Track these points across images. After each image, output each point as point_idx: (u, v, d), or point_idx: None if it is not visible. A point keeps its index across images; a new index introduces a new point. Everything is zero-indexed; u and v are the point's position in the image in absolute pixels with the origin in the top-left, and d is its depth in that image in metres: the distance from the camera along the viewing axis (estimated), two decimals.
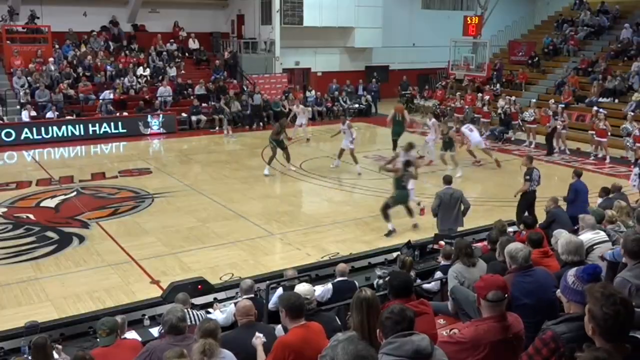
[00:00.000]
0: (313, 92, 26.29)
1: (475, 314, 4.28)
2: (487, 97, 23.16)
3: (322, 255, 9.52)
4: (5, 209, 12.79)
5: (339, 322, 5.32)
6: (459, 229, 9.70)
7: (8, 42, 22.90)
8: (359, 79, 28.45)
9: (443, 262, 7.07)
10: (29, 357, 4.92)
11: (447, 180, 10.25)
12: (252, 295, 6.13)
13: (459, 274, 5.80)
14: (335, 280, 6.76)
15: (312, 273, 7.29)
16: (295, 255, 10.14)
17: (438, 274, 6.93)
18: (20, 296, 8.82)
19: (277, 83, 26.57)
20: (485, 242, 7.50)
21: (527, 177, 10.74)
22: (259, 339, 4.60)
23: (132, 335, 5.85)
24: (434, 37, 29.10)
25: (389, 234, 11.04)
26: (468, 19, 27.48)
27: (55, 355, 5.03)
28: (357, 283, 6.70)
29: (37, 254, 10.44)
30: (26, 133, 19.85)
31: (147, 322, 6.41)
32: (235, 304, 5.60)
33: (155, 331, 6.04)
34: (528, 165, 10.96)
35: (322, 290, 6.51)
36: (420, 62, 30.32)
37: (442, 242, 8.07)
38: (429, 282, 6.96)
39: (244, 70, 26.49)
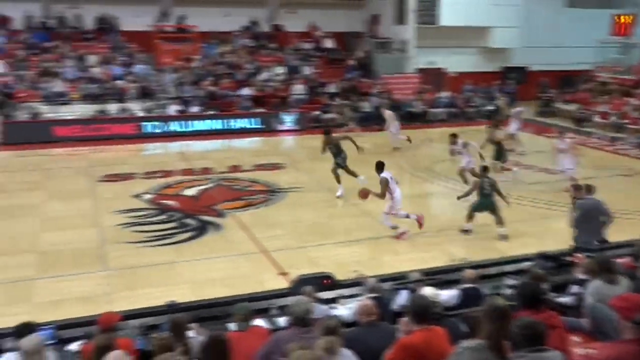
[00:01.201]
0: (446, 92, 25.82)
1: (615, 335, 4.01)
2: (637, 102, 21.48)
3: (448, 259, 9.34)
4: (152, 196, 13.85)
5: (465, 329, 5.20)
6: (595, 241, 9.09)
7: (159, 41, 24.74)
8: (495, 80, 27.50)
9: (580, 277, 6.66)
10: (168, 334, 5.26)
11: (589, 189, 9.64)
12: (376, 295, 6.14)
13: (599, 290, 5.44)
14: (463, 287, 6.60)
15: (438, 277, 7.18)
16: (420, 258, 10.02)
17: (574, 289, 6.53)
18: (162, 277, 9.51)
19: (410, 83, 26.40)
20: (629, 258, 6.97)
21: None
22: None
23: (259, 323, 6.09)
24: (578, 37, 27.41)
25: (465, 232, 11.25)
26: (617, 17, 25.59)
27: (191, 334, 5.35)
28: (484, 291, 6.50)
29: (178, 239, 11.21)
30: (172, 126, 21.38)
31: (274, 312, 6.63)
32: (358, 301, 5.64)
33: (281, 321, 6.24)
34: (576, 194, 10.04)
35: (448, 295, 6.39)
36: (563, 64, 28.66)
37: (579, 255, 7.60)
38: (564, 296, 6.59)
39: (377, 70, 26.59)
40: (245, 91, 23.28)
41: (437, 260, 9.61)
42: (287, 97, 23.50)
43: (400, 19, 27.28)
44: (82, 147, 19.20)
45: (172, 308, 6.41)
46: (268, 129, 21.93)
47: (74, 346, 5.76)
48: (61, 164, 17.38)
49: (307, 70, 25.38)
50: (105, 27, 25.42)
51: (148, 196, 13.84)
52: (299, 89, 23.98)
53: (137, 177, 15.63)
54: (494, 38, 27.61)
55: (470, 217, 11.35)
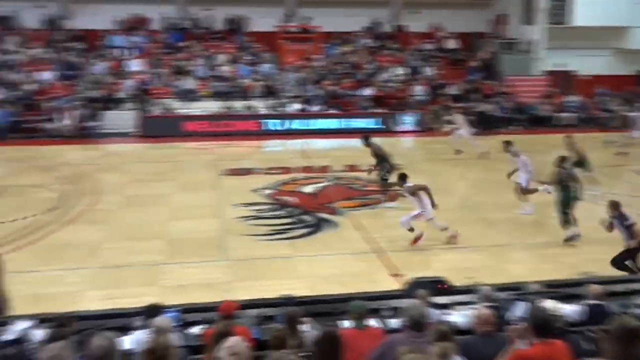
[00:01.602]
0: (575, 96, 24.46)
1: None
2: None
3: (571, 272, 8.86)
4: (271, 191, 14.32)
5: (587, 348, 4.92)
6: None
7: (284, 41, 25.50)
8: (630, 85, 25.63)
9: None
10: (282, 326, 5.42)
11: None
12: (492, 304, 5.97)
13: None
14: (587, 303, 6.24)
15: (560, 290, 6.84)
16: (540, 269, 9.59)
17: None
18: (278, 270, 9.82)
19: (536, 86, 25.27)
20: None
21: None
22: None
23: (372, 323, 6.12)
24: None
25: (571, 239, 10.56)
26: None
27: (304, 328, 5.49)
28: (611, 309, 6.10)
29: (294, 234, 11.51)
30: (293, 124, 21.96)
31: (386, 313, 6.63)
32: (474, 309, 5.51)
33: (393, 322, 6.23)
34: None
35: (571, 310, 6.07)
36: None
37: None
38: None
39: (501, 72, 25.71)
40: (366, 91, 23.43)
41: (557, 272, 9.17)
42: (407, 98, 23.36)
43: (528, 18, 26.18)
44: (208, 141, 20.22)
45: (287, 301, 6.61)
46: (387, 130, 21.92)
47: (195, 329, 6.10)
48: (189, 157, 18.41)
49: (428, 71, 25.07)
50: (234, 28, 26.59)
51: (267, 191, 14.32)
52: (419, 90, 23.77)
53: (258, 172, 16.21)
54: (632, 38, 25.71)
55: (566, 222, 10.68)
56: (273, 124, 21.90)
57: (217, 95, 22.75)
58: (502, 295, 6.46)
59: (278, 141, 20.91)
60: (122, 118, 21.37)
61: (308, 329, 5.42)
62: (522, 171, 12.62)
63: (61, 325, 5.40)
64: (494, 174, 15.89)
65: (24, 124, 20.61)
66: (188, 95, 22.55)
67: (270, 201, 13.66)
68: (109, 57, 24.07)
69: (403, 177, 11.20)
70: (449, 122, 19.14)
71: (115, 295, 8.70)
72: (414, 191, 10.81)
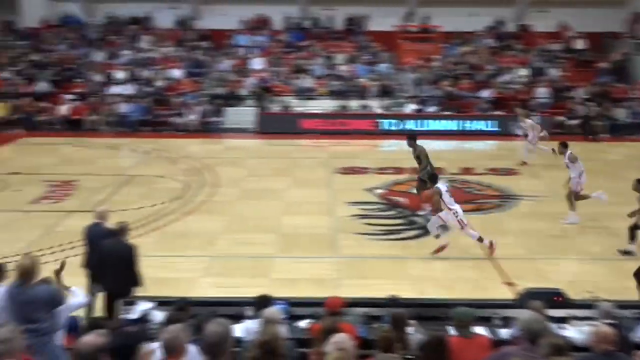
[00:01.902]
0: None
1: None
2: None
3: None
4: (383, 191, 14.31)
5: None
6: None
7: (402, 41, 25.33)
8: None
9: None
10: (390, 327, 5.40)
11: None
12: (613, 322, 5.59)
13: None
14: None
15: None
16: None
17: None
18: (386, 270, 9.79)
19: None
20: None
21: None
22: None
23: (480, 331, 5.94)
24: None
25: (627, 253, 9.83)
26: None
27: (410, 330, 5.44)
28: None
29: (404, 235, 11.43)
30: (408, 124, 21.76)
31: (497, 322, 6.42)
32: (593, 326, 5.19)
33: (504, 332, 6.02)
34: None
35: None
36: None
37: None
38: None
39: (635, 74, 23.96)
40: (485, 93, 22.74)
41: None
42: (529, 101, 22.39)
43: None
44: (324, 139, 20.54)
45: (393, 302, 6.57)
46: (504, 133, 21.13)
47: (303, 323, 6.23)
48: (305, 154, 18.81)
49: (553, 73, 23.87)
50: (353, 27, 26.80)
51: (379, 191, 14.31)
52: (542, 92, 22.71)
53: (371, 171, 16.25)
54: None
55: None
56: (388, 124, 21.84)
57: (334, 94, 23.04)
58: (625, 313, 6.04)
59: (392, 141, 20.78)
60: (243, 114, 22.23)
61: (414, 332, 5.37)
62: (574, 177, 12.09)
63: (180, 309, 5.72)
64: (619, 181, 14.87)
65: (154, 118, 22.02)
66: (306, 94, 23.03)
67: (382, 201, 13.65)
68: (233, 55, 25.13)
69: (434, 178, 10.76)
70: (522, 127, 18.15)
71: (228, 284, 9.09)
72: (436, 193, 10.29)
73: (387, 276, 9.51)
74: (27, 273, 5.31)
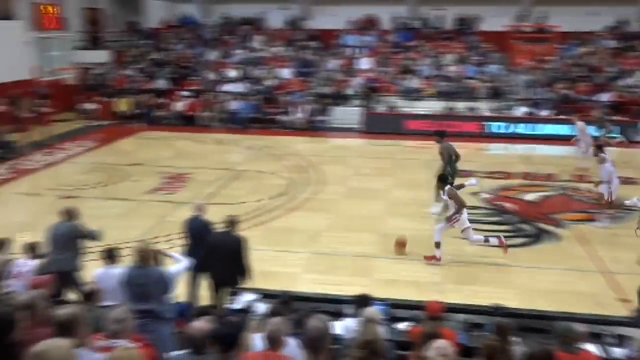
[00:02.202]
0: None
1: None
2: None
3: None
4: (490, 196, 13.89)
5: None
6: None
7: (515, 41, 24.45)
8: None
9: None
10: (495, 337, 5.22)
11: None
12: None
13: None
14: None
15: None
16: None
17: None
18: (490, 277, 9.51)
19: None
20: None
21: None
22: None
23: (591, 349, 5.64)
24: None
25: None
26: None
27: (515, 342, 5.25)
28: None
29: (511, 242, 11.00)
30: (518, 127, 20.99)
31: (609, 340, 6.06)
32: None
33: (617, 352, 5.68)
34: None
35: None
36: None
37: None
38: None
39: None
40: (603, 96, 21.46)
41: None
42: None
43: None
44: (429, 141, 20.20)
45: (497, 311, 6.39)
46: (629, 139, 19.83)
47: (402, 325, 6.20)
48: (409, 155, 18.63)
49: None
50: (464, 27, 26.22)
51: (485, 195, 13.91)
52: None
53: (477, 175, 15.77)
54: None
55: None
56: (497, 127, 21.18)
57: (441, 95, 22.65)
58: None
59: (501, 145, 20.16)
60: (349, 114, 22.39)
61: (518, 344, 5.18)
62: (605, 181, 11.88)
63: (284, 302, 5.86)
64: None
65: (263, 116, 22.67)
66: (412, 94, 22.81)
67: (488, 206, 13.26)
68: (341, 55, 25.36)
69: (443, 180, 10.36)
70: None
71: (328, 281, 9.20)
72: (453, 195, 9.96)
73: (489, 283, 9.25)
74: (143, 257, 5.67)
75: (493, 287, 9.06)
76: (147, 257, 5.74)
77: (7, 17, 22.95)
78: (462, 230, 10.17)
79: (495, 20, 25.08)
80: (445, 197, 10.28)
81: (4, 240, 7.68)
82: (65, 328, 3.79)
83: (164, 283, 5.71)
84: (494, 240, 10.20)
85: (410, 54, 24.98)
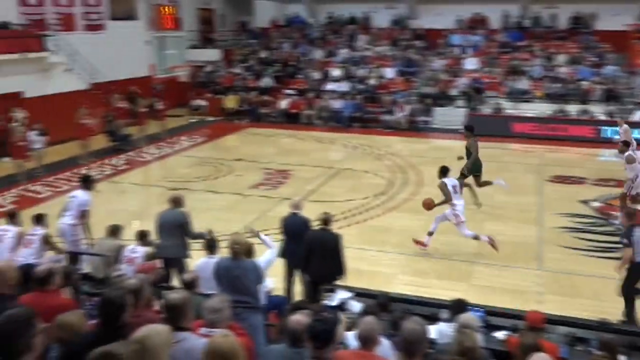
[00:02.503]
0: None
1: None
2: None
3: None
4: (600, 204, 13.16)
5: None
6: None
7: (636, 41, 22.92)
8: None
9: None
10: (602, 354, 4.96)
11: None
12: None
13: None
14: None
15: None
16: None
17: None
18: (595, 290, 9.02)
19: None
20: None
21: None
22: None
23: None
24: None
25: None
26: None
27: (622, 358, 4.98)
28: None
29: (620, 255, 10.36)
30: (636, 133, 19.65)
31: None
32: None
33: None
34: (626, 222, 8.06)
35: None
36: None
37: None
38: None
39: None
40: None
41: None
42: None
43: None
44: (536, 144, 19.48)
45: (602, 326, 6.06)
46: None
47: (499, 334, 6.02)
48: (515, 159, 17.99)
49: None
50: (579, 26, 24.93)
51: (596, 204, 13.20)
52: None
53: (588, 182, 15.04)
54: None
55: None
56: (612, 132, 19.92)
57: (551, 97, 21.68)
58: None
59: (615, 151, 18.95)
60: (452, 115, 21.96)
61: None
62: (630, 178, 11.90)
63: (381, 304, 5.86)
64: None
65: (365, 115, 22.72)
66: (520, 96, 22.01)
67: (597, 215, 12.57)
68: (446, 55, 24.91)
69: (444, 171, 10.51)
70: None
71: (423, 284, 9.11)
72: (442, 188, 10.25)
73: (595, 297, 8.79)
74: (240, 250, 5.89)
75: (598, 300, 8.60)
76: (242, 250, 5.94)
77: (130, 17, 24.55)
78: (457, 224, 10.25)
79: (613, 19, 23.66)
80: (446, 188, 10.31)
81: (117, 226, 8.23)
82: (174, 312, 4.00)
83: (257, 274, 5.89)
84: (484, 238, 10.24)
85: (519, 54, 24.10)
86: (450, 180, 10.50)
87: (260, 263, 6.20)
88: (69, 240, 9.08)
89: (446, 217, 10.42)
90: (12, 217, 8.27)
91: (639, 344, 5.88)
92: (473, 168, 12.85)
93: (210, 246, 7.11)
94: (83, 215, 9.20)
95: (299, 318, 4.02)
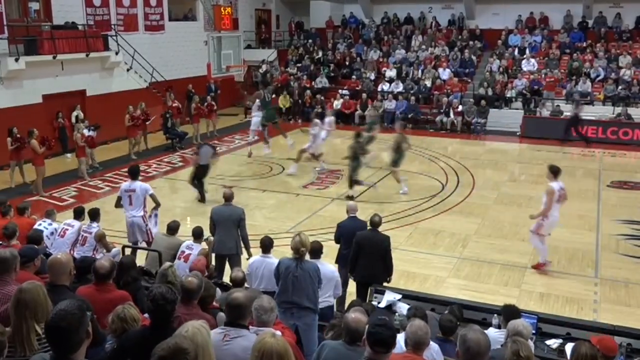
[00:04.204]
0: None
1: None
2: None
3: None
4: None
5: None
6: None
7: None
8: None
9: None
10: None
11: None
12: None
13: None
14: None
15: None
16: None
17: None
18: None
19: None
20: None
21: None
22: None
23: None
24: None
25: None
26: None
27: None
28: None
29: None
30: None
31: None
32: None
33: None
34: None
35: None
36: None
37: None
38: None
39: None
40: None
41: None
42: None
43: None
44: (597, 148, 18.88)
45: None
46: None
47: (551, 342, 5.88)
48: (573, 163, 17.48)
49: None
50: None
51: None
52: None
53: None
54: None
55: None
56: None
57: (613, 99, 20.96)
58: None
59: None
60: (508, 117, 21.53)
61: None
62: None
63: (453, 312, 5.81)
64: None
65: (419, 116, 22.51)
66: (580, 99, 21.36)
67: None
68: (504, 56, 24.40)
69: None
70: None
71: (474, 288, 8.98)
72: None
73: None
74: (303, 252, 5.98)
75: None
76: (305, 251, 6.01)
77: (189, 18, 25.14)
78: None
79: None
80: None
81: (176, 223, 8.42)
82: (237, 310, 4.08)
83: (317, 277, 5.97)
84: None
85: (580, 55, 23.37)
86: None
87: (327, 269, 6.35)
88: (142, 232, 9.37)
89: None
90: (78, 213, 8.60)
91: None
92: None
93: (265, 245, 7.19)
94: (154, 197, 9.51)
95: (358, 316, 4.04)
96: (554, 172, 9.65)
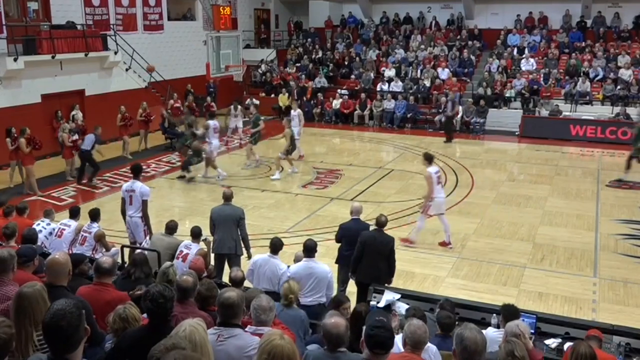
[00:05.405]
0: None
1: None
2: None
3: None
4: None
5: None
6: None
7: None
8: None
9: None
10: None
11: None
12: None
13: None
14: None
15: None
16: None
17: None
18: None
19: None
20: None
21: None
22: None
23: None
24: None
25: None
26: None
27: None
28: None
29: None
30: None
31: None
32: None
33: None
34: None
35: None
36: None
37: None
38: None
39: None
40: None
41: None
42: None
43: None
44: (595, 148, 18.91)
45: None
46: None
47: (550, 342, 5.88)
48: (572, 163, 17.52)
49: None
50: None
51: None
52: None
53: None
54: None
55: None
56: None
57: (611, 99, 20.98)
58: None
59: None
60: (507, 116, 21.55)
61: None
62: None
63: (446, 309, 5.80)
64: None
65: (417, 116, 22.51)
66: (579, 98, 21.38)
67: None
68: (503, 55, 24.40)
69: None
70: None
71: (472, 288, 8.98)
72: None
73: None
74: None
75: None
76: (293, 299, 5.88)
77: (189, 17, 25.12)
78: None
79: None
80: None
81: (174, 223, 8.39)
82: (230, 309, 4.03)
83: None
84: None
85: (579, 54, 23.38)
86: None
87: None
88: (139, 233, 9.36)
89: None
90: (74, 213, 8.60)
91: None
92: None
93: (276, 246, 7.10)
94: (145, 205, 9.41)
95: (336, 320, 3.85)
96: (428, 158, 10.65)
